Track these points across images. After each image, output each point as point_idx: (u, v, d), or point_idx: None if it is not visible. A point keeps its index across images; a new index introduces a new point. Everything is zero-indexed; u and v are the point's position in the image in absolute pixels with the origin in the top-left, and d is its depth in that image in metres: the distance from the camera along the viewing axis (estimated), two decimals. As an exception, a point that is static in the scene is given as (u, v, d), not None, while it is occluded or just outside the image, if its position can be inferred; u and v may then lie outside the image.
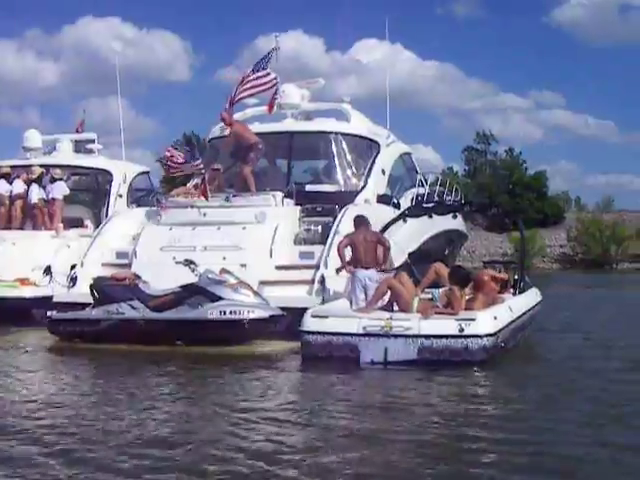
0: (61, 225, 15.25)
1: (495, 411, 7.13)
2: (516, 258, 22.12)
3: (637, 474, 5.30)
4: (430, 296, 10.09)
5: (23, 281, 13.42)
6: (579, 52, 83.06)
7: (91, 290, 11.35)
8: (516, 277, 11.91)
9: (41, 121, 74.97)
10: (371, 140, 15.29)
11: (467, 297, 9.92)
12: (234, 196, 13.47)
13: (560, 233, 44.81)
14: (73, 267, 12.93)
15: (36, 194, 15.47)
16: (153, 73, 78.56)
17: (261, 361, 9.72)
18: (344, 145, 14.81)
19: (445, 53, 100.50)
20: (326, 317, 9.49)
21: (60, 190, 15.47)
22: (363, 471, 5.30)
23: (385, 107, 16.71)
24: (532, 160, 56.79)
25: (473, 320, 9.01)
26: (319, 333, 9.28)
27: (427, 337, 8.91)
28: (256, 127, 14.88)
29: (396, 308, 9.85)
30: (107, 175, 17.04)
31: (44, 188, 15.55)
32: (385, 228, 12.08)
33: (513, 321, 10.03)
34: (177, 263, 11.35)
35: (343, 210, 12.51)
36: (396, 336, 8.96)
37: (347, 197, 13.58)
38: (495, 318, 9.36)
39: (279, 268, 12.14)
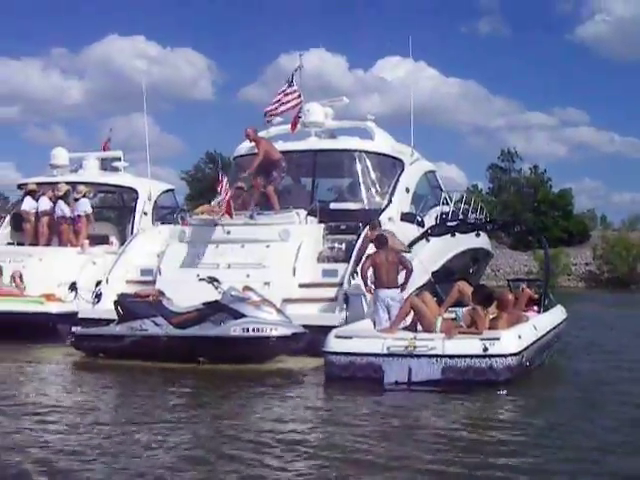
0: (87, 242, 15.38)
1: (517, 437, 6.92)
2: (541, 276, 21.92)
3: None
4: (453, 315, 10.04)
5: (49, 297, 13.55)
6: (603, 69, 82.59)
7: (115, 306, 11.44)
8: (539, 295, 11.80)
9: (68, 139, 75.99)
10: (395, 158, 15.28)
11: (491, 316, 9.85)
12: (258, 214, 13.52)
13: (586, 251, 44.32)
14: (98, 283, 13.08)
15: (61, 211, 15.63)
16: (177, 91, 79.15)
17: (283, 378, 9.71)
18: (368, 163, 14.82)
19: (469, 71, 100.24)
20: (350, 338, 9.44)
21: (83, 207, 15.62)
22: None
23: (409, 125, 16.67)
24: (557, 178, 56.63)
25: (497, 339, 8.93)
26: (343, 354, 9.23)
27: (451, 357, 8.84)
28: (280, 145, 14.94)
29: (420, 328, 9.80)
30: (132, 193, 17.19)
31: (68, 205, 15.71)
32: (409, 247, 12.04)
33: (538, 340, 9.93)
34: (200, 280, 11.40)
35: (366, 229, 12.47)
36: (420, 356, 8.90)
37: (371, 215, 13.56)
38: (519, 337, 9.28)
39: (302, 286, 12.17)
